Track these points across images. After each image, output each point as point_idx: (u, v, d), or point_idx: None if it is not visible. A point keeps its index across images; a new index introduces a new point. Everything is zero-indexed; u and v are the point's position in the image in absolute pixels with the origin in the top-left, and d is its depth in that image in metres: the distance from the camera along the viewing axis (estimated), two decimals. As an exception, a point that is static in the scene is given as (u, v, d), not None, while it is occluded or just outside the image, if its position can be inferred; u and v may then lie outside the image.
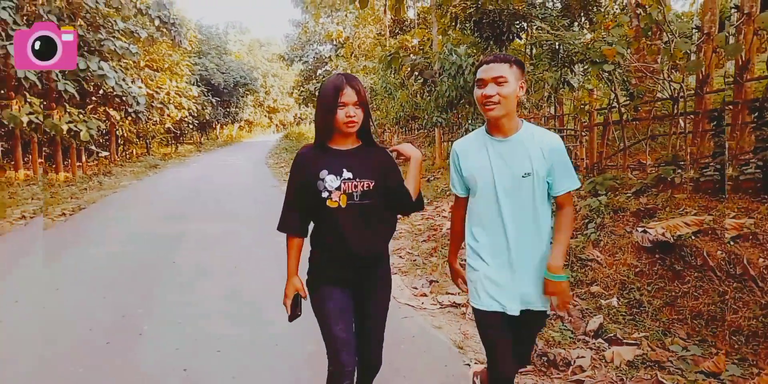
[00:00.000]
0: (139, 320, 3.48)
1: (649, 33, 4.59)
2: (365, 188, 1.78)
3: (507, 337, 1.84)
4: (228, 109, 31.80)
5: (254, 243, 5.68)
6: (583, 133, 6.43)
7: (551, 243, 1.82)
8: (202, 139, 30.54)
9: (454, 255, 2.11)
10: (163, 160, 18.24)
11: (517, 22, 6.19)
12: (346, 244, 1.77)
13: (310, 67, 30.13)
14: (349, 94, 1.73)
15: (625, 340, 2.96)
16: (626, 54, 4.60)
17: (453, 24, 7.45)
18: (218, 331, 3.31)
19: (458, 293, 3.92)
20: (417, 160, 1.88)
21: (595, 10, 6.44)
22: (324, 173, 1.76)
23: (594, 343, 2.98)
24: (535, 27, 6.12)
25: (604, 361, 2.77)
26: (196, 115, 23.38)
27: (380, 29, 21.72)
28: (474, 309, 1.88)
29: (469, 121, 8.73)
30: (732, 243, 3.18)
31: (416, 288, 4.14)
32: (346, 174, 1.77)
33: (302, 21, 28.60)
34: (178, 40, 17.11)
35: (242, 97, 33.33)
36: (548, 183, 1.79)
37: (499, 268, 1.81)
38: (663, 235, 3.44)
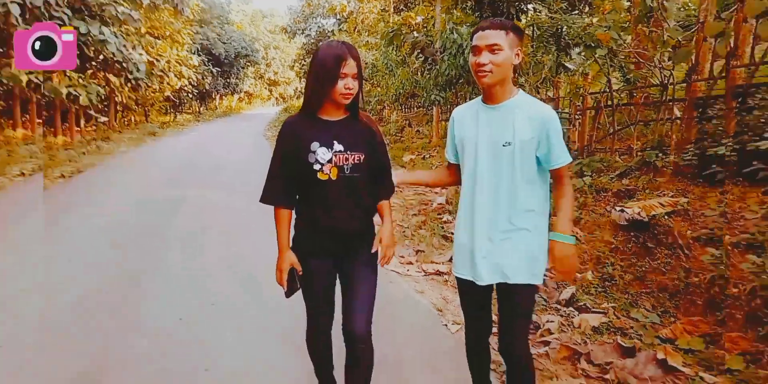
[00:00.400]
0: (141, 276, 3.68)
1: (645, 19, 4.66)
2: (356, 161, 1.73)
3: (477, 305, 1.85)
4: (228, 80, 31.57)
5: (253, 209, 5.86)
6: (577, 117, 6.55)
7: (539, 224, 1.75)
8: (201, 109, 30.42)
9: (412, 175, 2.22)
10: (162, 129, 18.25)
11: (517, 3, 6.23)
12: (333, 219, 1.74)
13: (312, 40, 29.79)
14: (351, 66, 1.65)
15: (593, 309, 3.18)
16: (621, 39, 4.69)
17: (455, 3, 7.45)
18: (214, 287, 3.51)
19: (443, 263, 4.12)
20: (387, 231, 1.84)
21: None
22: (315, 145, 1.70)
23: (564, 311, 3.20)
24: (533, 9, 6.16)
25: (571, 326, 2.99)
26: (195, 84, 23.25)
27: (384, 5, 21.43)
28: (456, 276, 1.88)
29: (468, 100, 8.82)
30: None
31: (403, 257, 4.34)
32: (337, 146, 1.71)
33: (306, -8, 28.11)
34: (180, 7, 16.89)
35: (243, 68, 33.05)
36: (537, 157, 1.71)
37: (472, 237, 1.77)
38: (638, 214, 3.63)
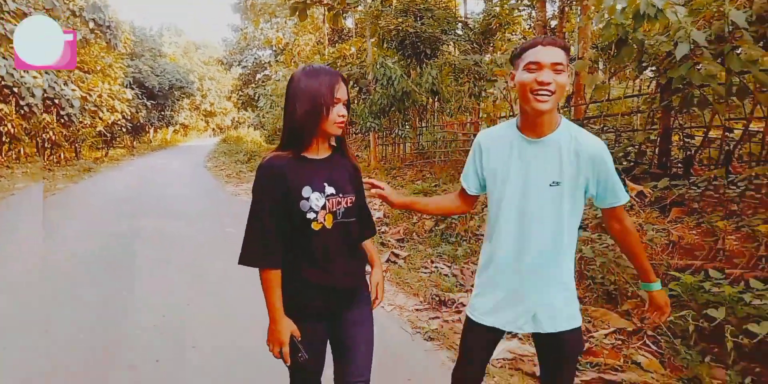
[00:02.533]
0: (112, 306, 4.12)
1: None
2: (348, 204, 1.55)
3: (481, 351, 1.74)
4: (163, 113, 31.19)
5: (206, 239, 6.33)
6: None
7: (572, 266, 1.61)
8: (135, 143, 29.77)
9: (417, 204, 1.85)
10: (96, 164, 17.95)
11: (433, 43, 7.30)
12: (329, 274, 1.53)
13: (248, 71, 30.33)
14: (343, 90, 1.47)
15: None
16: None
17: (381, 43, 8.45)
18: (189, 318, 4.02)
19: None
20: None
21: (497, 36, 7.67)
22: (307, 191, 1.47)
23: (476, 291, 4.00)
24: (446, 50, 7.25)
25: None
26: (129, 118, 22.99)
27: (319, 37, 22.52)
28: (467, 316, 1.74)
29: (399, 127, 9.76)
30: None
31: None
32: (329, 189, 1.51)
33: (241, 26, 28.82)
34: (113, 42, 17.01)
35: (178, 100, 32.80)
36: (592, 196, 1.56)
37: (503, 283, 1.61)
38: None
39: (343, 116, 1.47)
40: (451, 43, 7.03)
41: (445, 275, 4.37)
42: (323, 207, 1.49)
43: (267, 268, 1.48)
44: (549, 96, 1.42)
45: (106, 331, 3.28)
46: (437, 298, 3.79)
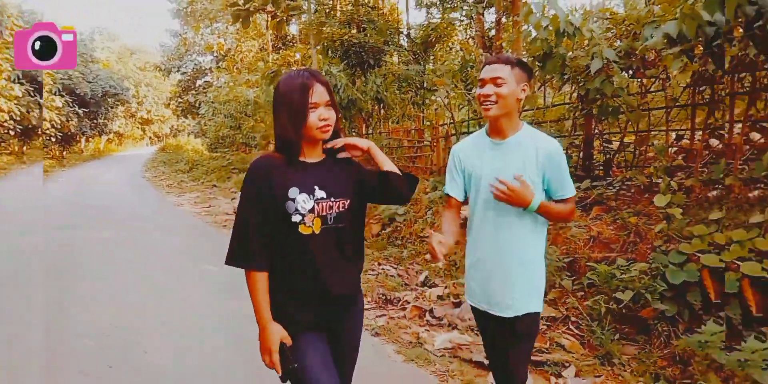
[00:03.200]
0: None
1: (463, 70, 6.15)
2: (340, 209, 1.49)
3: (488, 332, 1.88)
4: (95, 121, 29.66)
5: (167, 243, 6.19)
6: (434, 143, 7.96)
7: (531, 268, 1.77)
8: (65, 153, 28.06)
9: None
10: None
11: (375, 54, 7.56)
12: (320, 281, 1.46)
13: (188, 77, 29.50)
14: (319, 93, 1.42)
15: (440, 286, 4.25)
16: (453, 83, 6.09)
17: (326, 52, 8.62)
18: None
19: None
20: (375, 147, 1.60)
21: (435, 47, 8.06)
22: (294, 192, 1.43)
23: (420, 289, 4.23)
24: (389, 60, 7.53)
25: (423, 297, 4.01)
26: (59, 127, 21.67)
27: (262, 44, 22.33)
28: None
29: (345, 134, 9.92)
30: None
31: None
32: (319, 193, 1.46)
33: (181, 32, 28.03)
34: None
35: (111, 107, 31.30)
36: (545, 190, 1.75)
37: (476, 268, 1.82)
38: (470, 214, 4.85)
39: (325, 119, 1.42)
40: (394, 53, 7.31)
41: (392, 276, 4.57)
42: (311, 210, 1.43)
43: (251, 269, 1.43)
44: (492, 105, 1.68)
45: (54, 338, 3.22)
46: (384, 297, 3.98)
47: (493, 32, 9.69)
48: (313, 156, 1.52)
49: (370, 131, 11.15)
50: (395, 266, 4.89)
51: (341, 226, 1.49)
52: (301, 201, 1.42)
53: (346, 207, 1.50)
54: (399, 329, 3.42)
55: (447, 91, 6.03)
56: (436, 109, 7.38)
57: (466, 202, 1.91)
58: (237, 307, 3.79)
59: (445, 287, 4.15)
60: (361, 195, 1.57)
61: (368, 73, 7.77)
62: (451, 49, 9.60)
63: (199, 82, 29.35)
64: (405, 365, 2.95)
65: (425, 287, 4.27)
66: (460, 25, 11.52)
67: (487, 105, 1.69)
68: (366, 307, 3.90)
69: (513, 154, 1.73)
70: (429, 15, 10.67)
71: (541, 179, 1.73)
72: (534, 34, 4.44)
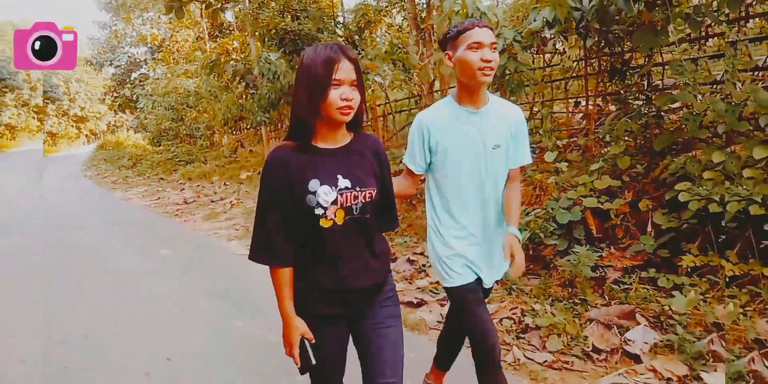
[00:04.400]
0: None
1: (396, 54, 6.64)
2: (366, 199, 1.38)
3: (485, 306, 1.81)
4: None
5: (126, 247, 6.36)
6: (374, 123, 8.44)
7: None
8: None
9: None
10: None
11: (311, 41, 7.87)
12: (339, 274, 1.39)
13: (122, 70, 28.36)
14: (346, 70, 1.30)
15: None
16: (383, 67, 6.56)
17: (262, 41, 8.78)
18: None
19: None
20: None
21: (366, 33, 8.44)
22: (314, 184, 1.33)
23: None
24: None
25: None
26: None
27: (199, 32, 21.83)
28: (450, 289, 1.78)
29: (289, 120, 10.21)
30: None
31: (248, 245, 5.50)
32: (343, 182, 1.35)
33: (110, 23, 26.79)
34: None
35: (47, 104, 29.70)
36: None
37: (478, 243, 1.77)
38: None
39: (347, 99, 1.29)
40: (329, 40, 7.64)
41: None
42: (334, 202, 1.33)
43: (275, 266, 1.38)
44: (491, 71, 1.61)
45: (22, 344, 3.15)
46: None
47: (425, 14, 10.19)
48: (333, 141, 1.39)
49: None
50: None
51: (367, 216, 1.39)
52: (323, 193, 1.32)
53: (373, 197, 1.39)
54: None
55: (379, 74, 6.48)
56: (372, 91, 7.82)
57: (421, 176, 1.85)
58: (197, 284, 4.18)
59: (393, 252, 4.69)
60: (385, 184, 1.47)
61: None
62: (378, 35, 10.01)
63: (134, 75, 28.28)
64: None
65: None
66: (393, 8, 11.90)
67: (488, 71, 1.60)
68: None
69: (490, 123, 1.70)
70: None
71: (511, 145, 1.75)
72: (446, 19, 4.95)
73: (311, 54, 1.32)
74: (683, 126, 3.58)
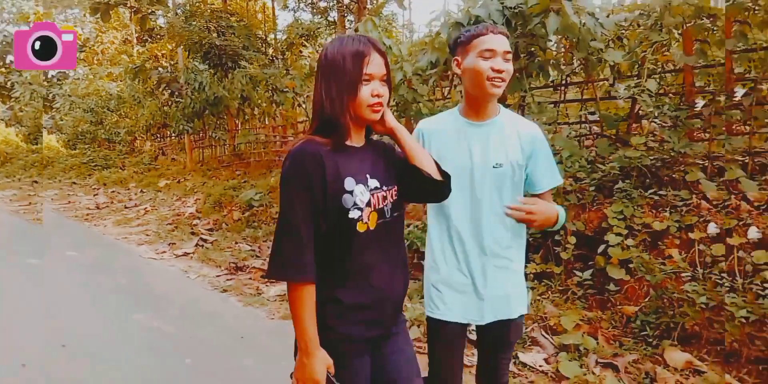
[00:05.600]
0: None
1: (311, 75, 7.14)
2: (393, 198, 1.30)
3: (461, 352, 1.62)
4: None
5: None
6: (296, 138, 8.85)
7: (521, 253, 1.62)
8: None
9: None
10: None
11: (234, 57, 8.20)
12: (377, 286, 1.25)
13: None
14: (376, 63, 1.20)
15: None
16: (305, 85, 7.00)
17: (188, 53, 8.94)
18: None
19: (188, 248, 5.59)
20: (402, 131, 1.35)
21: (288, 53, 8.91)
22: (350, 183, 1.21)
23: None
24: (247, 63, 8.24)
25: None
26: None
27: (127, 35, 21.19)
28: (429, 319, 1.60)
29: (213, 130, 10.32)
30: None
31: (158, 250, 5.64)
32: (372, 182, 1.26)
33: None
34: None
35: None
36: (528, 179, 1.57)
37: (464, 271, 1.55)
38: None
39: (378, 96, 1.20)
40: (254, 57, 8.00)
41: (246, 250, 5.35)
42: (368, 203, 1.21)
43: (301, 281, 1.16)
44: (502, 82, 1.45)
45: None
46: (234, 265, 4.76)
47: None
48: (357, 139, 1.29)
49: (242, 127, 11.63)
50: (251, 245, 5.66)
51: (396, 218, 1.30)
52: (359, 193, 1.20)
53: (397, 195, 1.31)
54: (243, 286, 4.23)
55: (296, 92, 6.92)
56: (293, 107, 8.23)
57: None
58: (101, 282, 4.31)
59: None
60: (402, 178, 1.35)
61: (229, 74, 8.37)
62: (300, 55, 10.49)
63: (52, 73, 26.51)
64: (244, 308, 3.79)
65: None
66: (326, 29, 12.45)
67: (498, 82, 1.45)
68: (219, 274, 4.65)
69: (493, 138, 1.53)
70: (296, 19, 11.43)
71: (524, 167, 1.54)
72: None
73: (337, 46, 1.21)
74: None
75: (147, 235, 6.50)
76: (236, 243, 5.71)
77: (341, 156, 1.22)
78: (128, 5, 10.77)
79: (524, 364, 2.72)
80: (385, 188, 1.28)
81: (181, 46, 11.30)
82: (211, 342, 3.16)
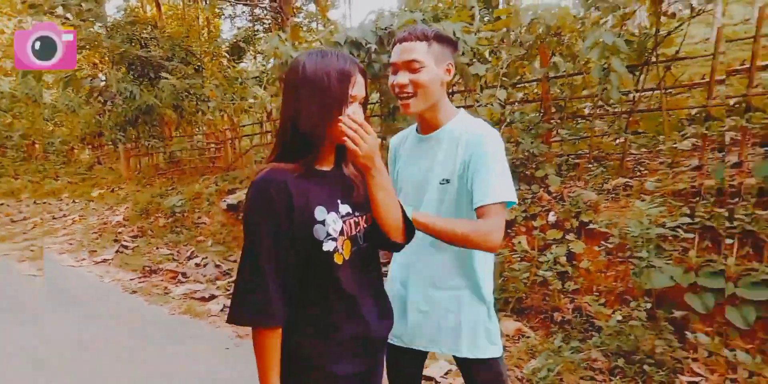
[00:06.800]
0: None
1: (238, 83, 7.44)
2: (367, 223, 1.20)
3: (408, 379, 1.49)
4: None
5: None
6: (222, 146, 9.09)
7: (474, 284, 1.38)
8: None
9: None
10: None
11: (156, 68, 8.39)
12: (362, 320, 1.16)
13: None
14: (360, 85, 1.12)
15: (200, 256, 5.42)
16: (222, 95, 7.30)
17: (112, 63, 8.99)
18: None
19: (107, 255, 5.78)
20: (378, 171, 1.13)
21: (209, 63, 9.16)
22: (321, 212, 1.10)
23: (187, 262, 5.34)
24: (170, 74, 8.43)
25: (184, 266, 5.13)
26: None
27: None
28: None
29: (146, 139, 10.38)
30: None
31: (77, 257, 5.81)
32: (344, 208, 1.15)
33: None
34: None
35: None
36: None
37: (406, 287, 1.45)
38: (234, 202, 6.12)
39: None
40: (176, 68, 8.22)
41: (164, 254, 5.60)
42: (341, 232, 1.12)
43: (268, 326, 1.07)
44: (410, 98, 1.30)
45: None
46: (149, 269, 5.02)
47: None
48: (327, 163, 1.19)
49: (179, 135, 11.71)
50: (171, 250, 5.90)
51: (370, 245, 1.20)
52: (331, 222, 1.10)
53: (371, 220, 1.19)
54: (152, 287, 4.51)
55: (217, 102, 7.21)
56: (221, 116, 8.48)
57: None
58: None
59: (205, 257, 5.34)
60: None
61: (155, 83, 8.54)
62: (222, 63, 10.70)
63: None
64: (149, 306, 4.08)
65: (190, 259, 5.40)
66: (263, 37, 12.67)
67: (403, 98, 1.32)
68: (132, 277, 4.89)
69: (438, 152, 1.37)
70: (235, 29, 11.64)
71: (465, 181, 1.33)
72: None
73: (318, 62, 1.09)
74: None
75: (71, 244, 6.61)
76: (157, 248, 5.94)
77: (310, 182, 1.12)
78: (56, 14, 10.63)
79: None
80: (357, 214, 1.18)
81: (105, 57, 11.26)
82: (116, 339, 3.44)
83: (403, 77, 1.31)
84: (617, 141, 4.11)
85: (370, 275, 1.22)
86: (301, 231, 1.08)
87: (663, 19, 3.89)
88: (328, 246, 1.09)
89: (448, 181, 1.35)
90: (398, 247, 1.23)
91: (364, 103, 1.17)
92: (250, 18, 15.00)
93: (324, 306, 1.13)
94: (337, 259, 1.11)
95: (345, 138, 1.08)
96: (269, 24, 12.50)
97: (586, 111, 4.79)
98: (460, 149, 1.35)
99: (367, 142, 1.08)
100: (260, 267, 1.06)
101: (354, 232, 1.16)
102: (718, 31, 3.64)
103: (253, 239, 1.07)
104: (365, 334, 1.16)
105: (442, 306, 1.41)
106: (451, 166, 1.35)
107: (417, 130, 1.47)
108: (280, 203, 1.06)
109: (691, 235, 2.88)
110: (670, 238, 2.88)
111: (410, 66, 1.31)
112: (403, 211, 1.20)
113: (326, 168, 1.19)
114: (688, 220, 2.95)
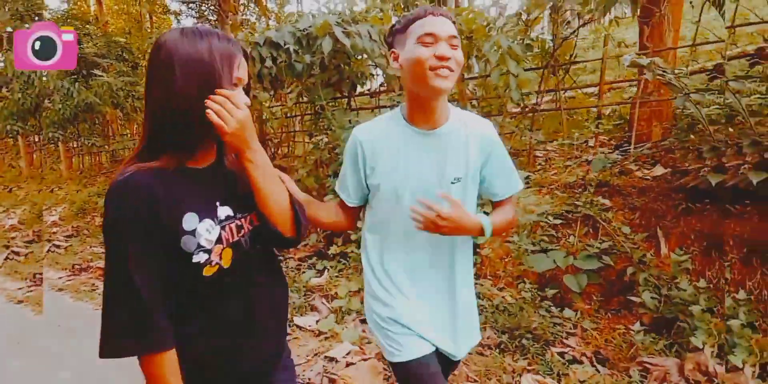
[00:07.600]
0: None
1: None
2: (251, 225, 1.06)
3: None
4: None
5: None
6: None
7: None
8: None
9: None
10: None
11: (88, 66, 8.28)
12: (241, 339, 1.04)
13: None
14: (244, 68, 1.00)
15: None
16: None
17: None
18: None
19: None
20: (257, 154, 1.01)
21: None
22: (192, 220, 0.96)
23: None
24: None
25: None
26: None
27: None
28: (394, 364, 1.34)
29: (86, 137, 10.12)
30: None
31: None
32: (223, 210, 1.01)
33: None
34: None
35: None
36: (484, 186, 1.36)
37: (428, 305, 1.36)
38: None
39: (246, 106, 0.98)
40: (109, 65, 8.12)
41: (96, 253, 5.58)
42: (218, 240, 0.98)
43: (152, 352, 0.92)
44: (450, 73, 1.19)
45: None
46: (79, 267, 5.02)
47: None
48: (203, 159, 1.04)
49: (123, 133, 11.48)
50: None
51: (258, 250, 1.07)
52: (204, 231, 0.96)
53: (256, 221, 1.07)
54: (80, 285, 4.54)
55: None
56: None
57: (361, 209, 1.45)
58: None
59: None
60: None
61: (89, 80, 8.39)
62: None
63: None
64: (74, 303, 4.12)
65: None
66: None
67: (444, 72, 1.18)
68: (61, 275, 4.88)
69: (447, 150, 1.29)
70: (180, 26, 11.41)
71: (478, 175, 1.34)
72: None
73: (198, 41, 0.93)
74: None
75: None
76: (90, 247, 5.90)
77: (182, 184, 0.96)
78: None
79: (299, 326, 3.35)
80: (239, 216, 1.03)
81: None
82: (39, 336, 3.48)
83: (447, 49, 1.18)
84: (522, 138, 4.45)
85: (267, 287, 1.09)
86: (167, 243, 0.92)
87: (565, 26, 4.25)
88: (198, 258, 0.95)
89: (459, 179, 1.30)
90: (291, 244, 1.09)
91: (248, 89, 1.03)
92: (196, 15, 14.79)
93: (191, 328, 0.99)
94: (206, 272, 0.96)
95: (208, 111, 0.92)
96: (215, 21, 12.39)
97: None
98: (473, 148, 1.30)
99: (234, 116, 0.93)
100: (134, 288, 0.89)
101: (236, 238, 1.01)
102: (605, 38, 4.02)
103: (115, 257, 0.91)
104: (247, 355, 1.03)
105: (470, 304, 1.44)
106: (464, 165, 1.30)
107: (408, 123, 1.31)
108: (141, 211, 0.90)
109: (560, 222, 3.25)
110: (542, 224, 3.25)
111: (452, 41, 1.20)
112: (294, 205, 1.08)
113: (202, 165, 1.02)
114: (570, 208, 3.31)
